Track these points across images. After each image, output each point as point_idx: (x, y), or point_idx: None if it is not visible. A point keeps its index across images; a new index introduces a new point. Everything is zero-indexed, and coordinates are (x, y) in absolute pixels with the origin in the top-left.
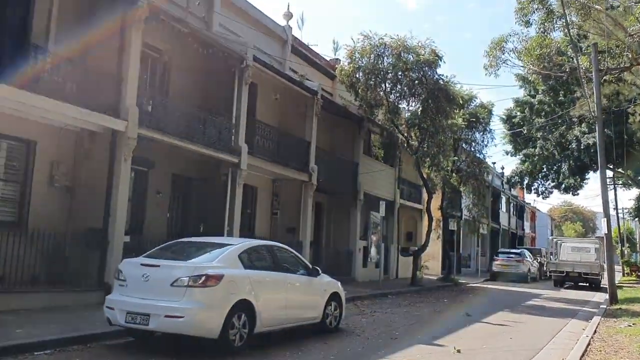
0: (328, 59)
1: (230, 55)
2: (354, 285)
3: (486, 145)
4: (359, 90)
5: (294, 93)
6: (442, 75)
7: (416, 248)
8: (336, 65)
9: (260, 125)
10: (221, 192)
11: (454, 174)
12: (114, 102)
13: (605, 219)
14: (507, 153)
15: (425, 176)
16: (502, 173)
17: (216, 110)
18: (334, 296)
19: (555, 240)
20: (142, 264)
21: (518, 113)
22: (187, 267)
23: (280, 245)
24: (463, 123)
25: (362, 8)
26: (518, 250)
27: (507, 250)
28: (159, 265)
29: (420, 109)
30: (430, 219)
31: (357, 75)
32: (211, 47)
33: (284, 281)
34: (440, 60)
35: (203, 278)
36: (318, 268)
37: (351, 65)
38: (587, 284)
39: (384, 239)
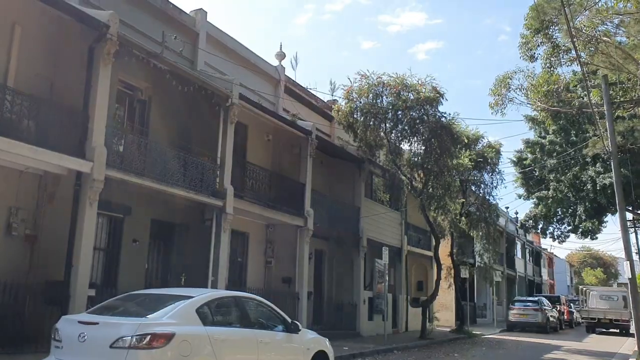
0: (325, 100)
1: (214, 93)
2: (358, 340)
3: (495, 187)
4: (358, 131)
5: (287, 134)
6: (445, 113)
7: (425, 298)
8: (333, 106)
9: (251, 167)
10: (206, 239)
11: (462, 218)
12: (79, 142)
13: (628, 262)
14: (519, 197)
15: (431, 220)
16: (517, 218)
17: (199, 151)
18: (320, 356)
19: (584, 289)
20: (79, 322)
21: (529, 154)
22: (131, 325)
23: (252, 296)
24: (470, 163)
25: (371, 59)
26: (535, 298)
27: (524, 298)
28: (97, 323)
29: (423, 148)
30: (439, 267)
31: (355, 116)
32: (192, 84)
33: (255, 339)
34: (442, 98)
35: (148, 338)
36: (298, 323)
37: (348, 105)
38: (618, 330)
39: (392, 289)
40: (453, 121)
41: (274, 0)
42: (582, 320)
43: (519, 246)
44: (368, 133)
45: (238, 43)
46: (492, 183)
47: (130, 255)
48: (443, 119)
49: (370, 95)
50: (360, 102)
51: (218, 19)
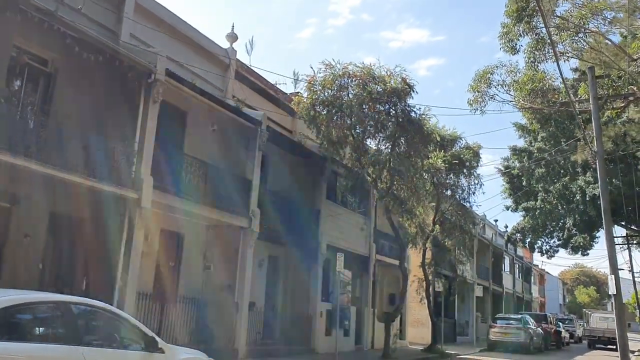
0: (289, 93)
1: (134, 67)
2: (312, 358)
3: (474, 193)
4: (321, 126)
5: (235, 124)
6: (414, 107)
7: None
8: (293, 98)
9: (189, 159)
10: (117, 237)
11: (437, 226)
12: None
13: (613, 277)
14: (507, 208)
15: (396, 225)
16: (506, 231)
17: (115, 135)
18: None
19: (587, 312)
20: None
21: (516, 162)
22: None
23: (91, 303)
24: (443, 165)
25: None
26: (518, 316)
27: (506, 316)
28: None
29: (389, 145)
30: (405, 277)
31: (318, 109)
32: (103, 53)
33: None
34: (412, 91)
35: None
36: (158, 339)
37: (310, 97)
38: (614, 347)
39: (357, 301)
40: (424, 117)
41: (279, 15)
42: (585, 338)
43: (507, 261)
44: (331, 128)
45: (179, 19)
46: (469, 188)
47: (19, 252)
48: (412, 113)
49: (334, 86)
50: (325, 95)
51: (222, 32)
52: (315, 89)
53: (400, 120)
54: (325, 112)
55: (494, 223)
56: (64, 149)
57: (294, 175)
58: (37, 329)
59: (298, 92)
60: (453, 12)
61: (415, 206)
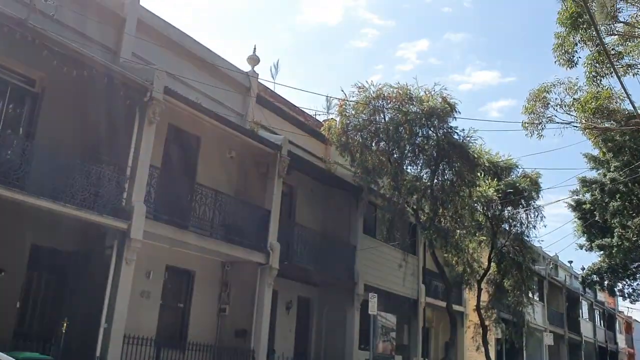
0: (321, 120)
1: (127, 84)
2: None
3: (534, 227)
4: (355, 154)
5: (254, 150)
6: (457, 128)
7: None
8: (324, 124)
9: (201, 189)
10: (103, 272)
11: (492, 264)
12: None
13: None
14: (581, 247)
15: (441, 262)
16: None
17: (106, 160)
18: None
19: None
20: None
21: (587, 196)
22: None
23: None
24: (496, 195)
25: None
26: None
27: None
28: None
29: (428, 171)
30: (453, 321)
31: (350, 134)
32: (90, 69)
33: None
34: (454, 110)
35: None
36: None
37: (342, 121)
38: None
39: (404, 350)
40: (469, 138)
41: (348, 62)
42: None
43: (585, 306)
44: (366, 155)
45: (194, 41)
46: (528, 221)
47: None
48: (455, 136)
49: (367, 110)
50: (358, 120)
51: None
52: (347, 113)
53: (441, 143)
54: (358, 137)
55: (568, 264)
56: (44, 174)
57: (327, 208)
58: None
59: (331, 118)
60: (523, 53)
61: (462, 240)
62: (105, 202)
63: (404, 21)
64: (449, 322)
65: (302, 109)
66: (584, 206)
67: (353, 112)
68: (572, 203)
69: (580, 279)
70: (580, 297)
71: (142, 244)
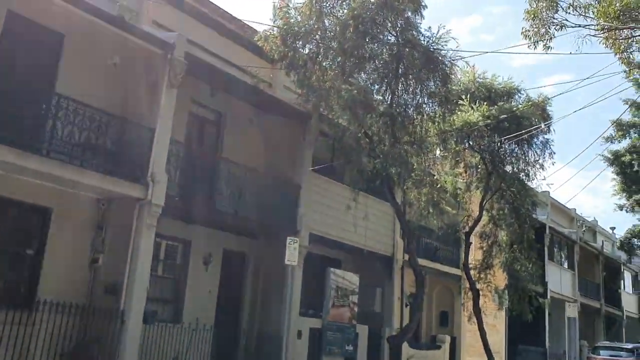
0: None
1: None
2: None
3: (542, 166)
4: (301, 70)
5: (144, 55)
6: (420, 25)
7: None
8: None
9: (65, 101)
10: None
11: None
12: None
13: None
14: (620, 208)
15: (399, 201)
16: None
17: None
18: None
19: None
20: None
21: (623, 141)
22: None
23: None
24: (484, 121)
25: None
26: (630, 346)
27: (613, 344)
28: None
29: (378, 79)
30: (420, 281)
31: (294, 45)
32: None
33: None
34: (420, 7)
35: None
36: None
37: (282, 28)
38: None
39: (376, 318)
40: (439, 41)
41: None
42: None
43: (628, 278)
44: (313, 71)
45: None
46: (532, 158)
47: None
48: (414, 32)
49: (314, 11)
50: (303, 27)
51: None
52: (288, 18)
53: (398, 45)
54: (306, 49)
55: (609, 231)
56: None
57: (272, 143)
58: None
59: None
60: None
61: (416, 168)
62: None
63: None
64: (443, 287)
65: (244, 21)
66: (622, 158)
67: (299, 17)
68: (609, 156)
69: (618, 244)
70: (622, 267)
71: None
